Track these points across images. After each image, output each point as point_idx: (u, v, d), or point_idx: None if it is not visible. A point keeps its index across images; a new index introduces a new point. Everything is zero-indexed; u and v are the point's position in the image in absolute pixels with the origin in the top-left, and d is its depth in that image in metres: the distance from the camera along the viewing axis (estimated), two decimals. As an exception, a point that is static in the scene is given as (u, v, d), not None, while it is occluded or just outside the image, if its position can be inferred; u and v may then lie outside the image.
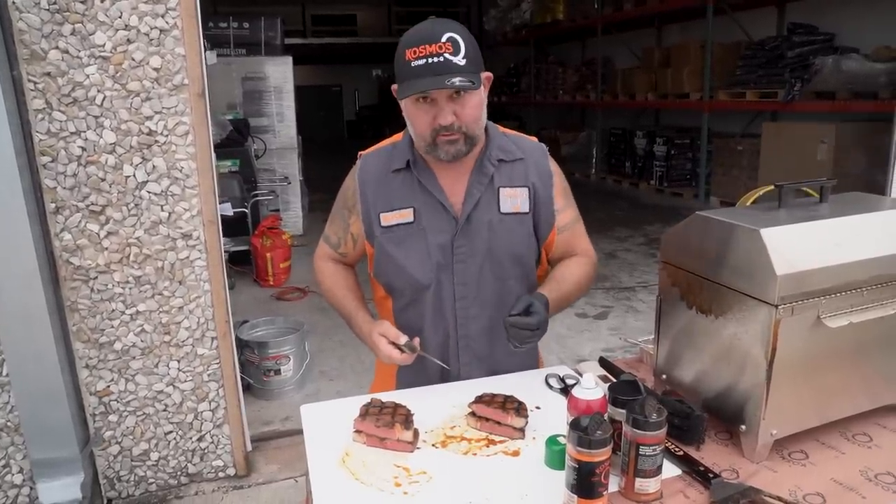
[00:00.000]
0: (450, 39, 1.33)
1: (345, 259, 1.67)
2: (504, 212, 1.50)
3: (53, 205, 2.22)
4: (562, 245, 1.59)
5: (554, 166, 1.58)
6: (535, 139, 1.62)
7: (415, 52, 1.33)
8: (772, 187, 1.39)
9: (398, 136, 1.58)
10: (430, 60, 1.32)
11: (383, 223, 1.51)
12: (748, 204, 2.55)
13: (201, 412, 2.56)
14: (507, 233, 1.50)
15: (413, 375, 1.56)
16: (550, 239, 1.56)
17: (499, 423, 1.29)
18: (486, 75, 1.44)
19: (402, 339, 1.42)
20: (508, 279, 1.53)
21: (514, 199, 1.51)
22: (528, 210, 1.52)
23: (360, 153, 1.61)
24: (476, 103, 1.40)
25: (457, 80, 1.31)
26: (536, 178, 1.54)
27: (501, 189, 1.50)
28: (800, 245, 1.17)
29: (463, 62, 1.33)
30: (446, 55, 1.32)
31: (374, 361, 1.70)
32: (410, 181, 1.51)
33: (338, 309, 1.64)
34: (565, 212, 1.58)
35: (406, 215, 1.50)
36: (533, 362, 1.66)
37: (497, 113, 13.71)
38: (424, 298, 1.52)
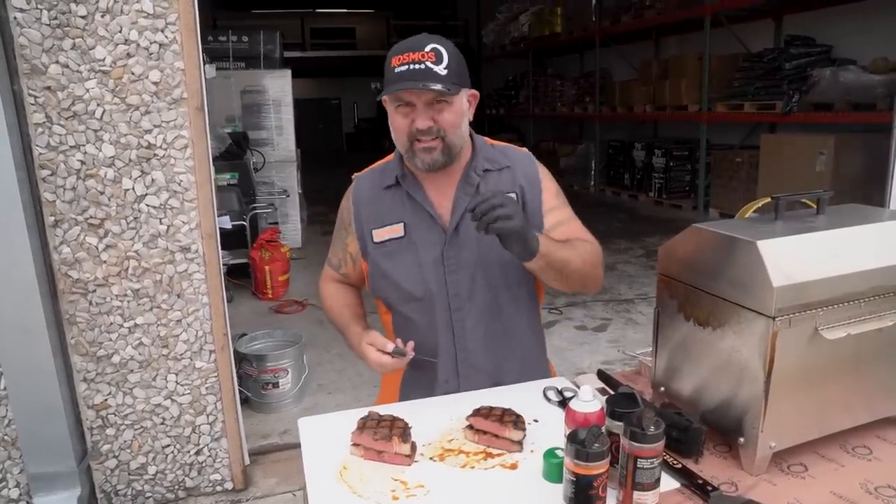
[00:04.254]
0: (433, 50, 1.37)
1: (347, 280, 1.70)
2: None
3: (52, 218, 2.22)
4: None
5: (542, 171, 1.60)
6: (524, 149, 1.63)
7: (399, 60, 1.38)
8: (770, 199, 1.39)
9: (390, 157, 1.60)
10: (411, 67, 1.36)
11: (375, 239, 1.54)
12: (747, 216, 2.55)
13: (199, 426, 2.55)
14: (496, 241, 1.49)
15: (415, 388, 1.57)
16: None
17: (497, 436, 1.28)
18: (472, 92, 1.48)
19: (390, 346, 1.42)
20: (501, 287, 1.53)
21: None
22: None
23: (353, 175, 1.64)
24: (455, 111, 1.42)
25: (434, 86, 1.35)
26: (524, 182, 1.55)
27: None
28: (797, 257, 1.17)
29: (444, 72, 1.37)
30: (428, 63, 1.36)
31: (382, 375, 1.71)
32: (401, 196, 1.53)
33: (336, 325, 1.66)
34: (556, 211, 1.58)
35: (397, 230, 1.52)
36: (541, 371, 1.65)
37: (495, 125, 13.76)
38: (420, 312, 1.53)
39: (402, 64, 1.37)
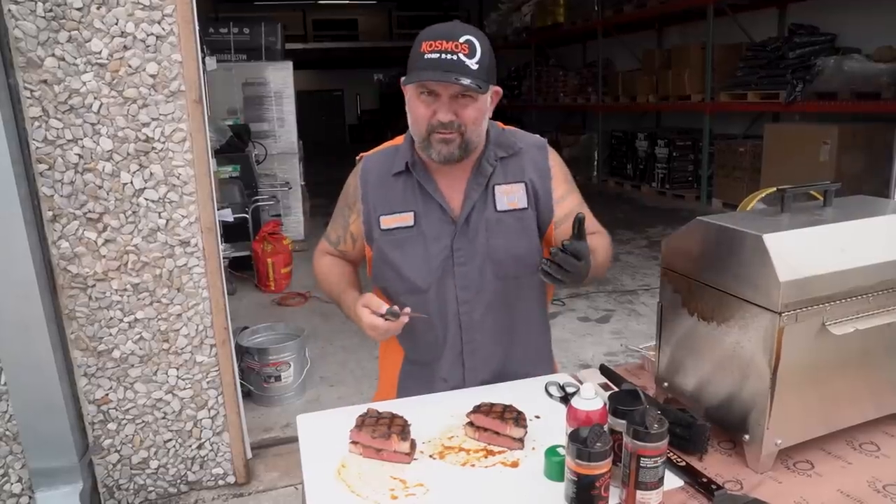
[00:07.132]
0: (467, 42, 1.33)
1: (345, 257, 1.66)
2: (501, 210, 1.49)
3: (51, 213, 2.20)
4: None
5: (553, 158, 1.56)
6: (537, 136, 1.60)
7: (430, 46, 1.33)
8: (774, 189, 1.37)
9: (399, 139, 1.56)
10: (443, 56, 1.31)
11: (383, 226, 1.50)
12: (750, 206, 2.53)
13: (201, 420, 2.55)
14: (506, 231, 1.48)
15: (415, 383, 1.56)
16: (549, 232, 1.53)
17: (497, 433, 1.27)
18: (496, 89, 1.44)
19: (383, 307, 1.37)
20: (510, 278, 1.50)
21: (510, 196, 1.49)
22: (526, 206, 1.50)
23: (360, 155, 1.60)
24: (479, 108, 1.39)
25: (464, 81, 1.30)
26: (534, 172, 1.52)
27: (496, 187, 1.49)
28: (803, 250, 1.15)
29: (475, 67, 1.33)
30: (460, 55, 1.32)
31: (378, 369, 1.69)
32: (411, 185, 1.50)
33: (331, 296, 1.61)
34: (566, 200, 1.55)
35: (407, 219, 1.49)
36: (545, 363, 1.63)
37: (498, 116, 13.69)
38: (424, 304, 1.49)
39: (434, 51, 1.32)
